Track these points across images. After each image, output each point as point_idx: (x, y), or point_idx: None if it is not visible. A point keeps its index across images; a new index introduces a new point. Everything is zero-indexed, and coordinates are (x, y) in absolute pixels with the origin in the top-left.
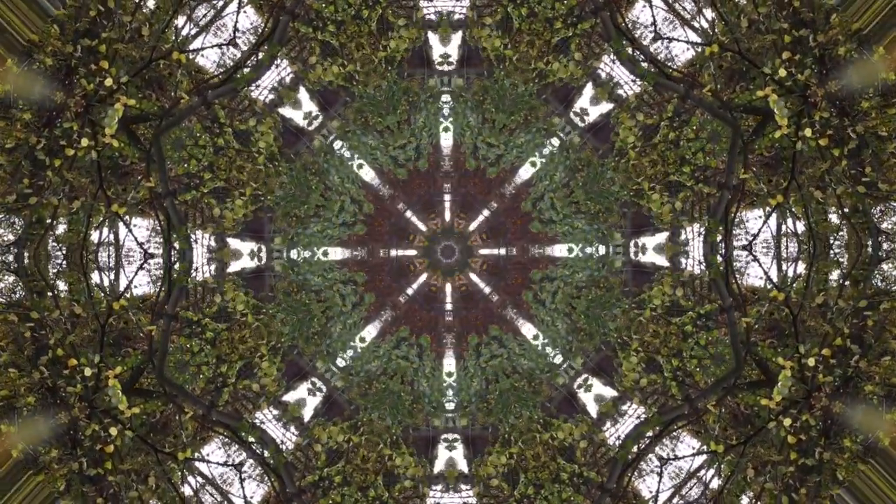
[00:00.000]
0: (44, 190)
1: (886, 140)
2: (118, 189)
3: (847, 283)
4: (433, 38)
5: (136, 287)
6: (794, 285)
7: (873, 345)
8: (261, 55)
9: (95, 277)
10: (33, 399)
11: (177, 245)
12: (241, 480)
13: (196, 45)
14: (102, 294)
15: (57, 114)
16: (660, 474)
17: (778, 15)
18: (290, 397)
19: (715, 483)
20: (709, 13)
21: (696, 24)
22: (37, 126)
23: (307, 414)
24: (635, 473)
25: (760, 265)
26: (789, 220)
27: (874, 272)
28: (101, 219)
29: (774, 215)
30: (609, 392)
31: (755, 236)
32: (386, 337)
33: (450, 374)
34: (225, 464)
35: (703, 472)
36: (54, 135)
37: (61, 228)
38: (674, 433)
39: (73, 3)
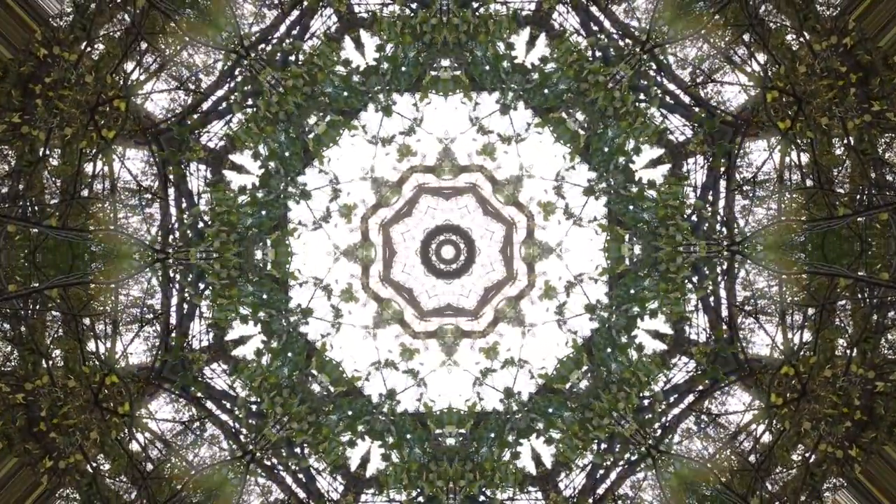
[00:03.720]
0: (35, 120)
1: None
2: (110, 120)
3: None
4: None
5: (132, 354)
6: (802, 352)
7: (884, 415)
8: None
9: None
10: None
11: (172, 176)
12: None
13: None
14: (97, 362)
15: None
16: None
17: (834, 57)
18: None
19: (766, 438)
20: (761, 56)
21: (748, 68)
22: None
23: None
24: None
25: (763, 328)
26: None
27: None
28: (95, 150)
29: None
30: (658, 345)
31: (759, 168)
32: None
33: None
34: (174, 420)
35: (754, 426)
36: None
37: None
38: (725, 387)
39: (21, 48)
